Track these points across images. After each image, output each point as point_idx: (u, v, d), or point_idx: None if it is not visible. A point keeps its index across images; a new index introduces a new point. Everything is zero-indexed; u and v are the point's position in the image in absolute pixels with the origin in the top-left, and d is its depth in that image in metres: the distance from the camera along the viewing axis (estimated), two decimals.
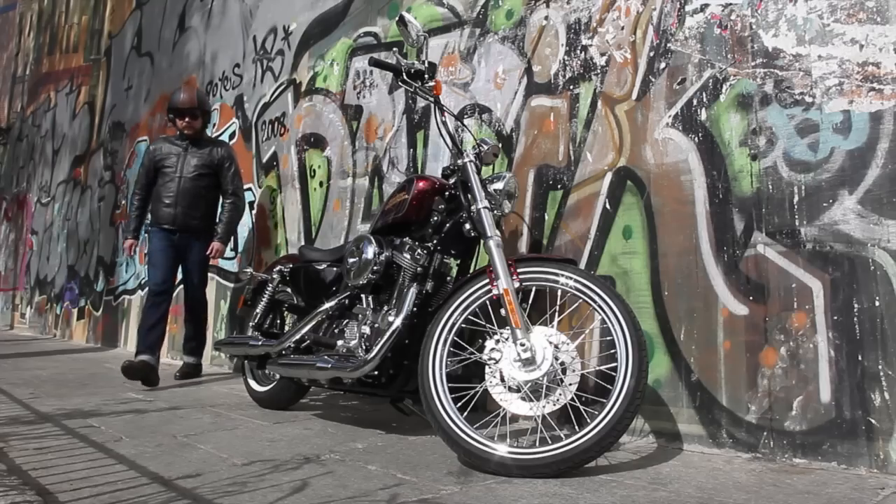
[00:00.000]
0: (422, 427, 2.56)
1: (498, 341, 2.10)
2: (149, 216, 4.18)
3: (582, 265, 2.61)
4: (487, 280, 2.17)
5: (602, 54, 2.70)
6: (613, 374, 1.94)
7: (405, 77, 2.50)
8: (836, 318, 1.99)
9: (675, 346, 2.33)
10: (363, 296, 2.61)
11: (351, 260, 2.60)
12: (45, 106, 9.77)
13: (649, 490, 1.76)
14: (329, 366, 2.47)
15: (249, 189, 4.83)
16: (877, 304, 1.93)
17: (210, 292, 4.85)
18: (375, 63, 2.55)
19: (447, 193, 2.49)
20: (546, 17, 2.94)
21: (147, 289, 4.11)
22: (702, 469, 1.99)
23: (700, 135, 2.36)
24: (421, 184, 2.51)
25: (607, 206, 2.60)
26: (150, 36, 6.76)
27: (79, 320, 7.43)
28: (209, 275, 4.39)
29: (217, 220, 4.17)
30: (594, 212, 2.64)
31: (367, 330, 2.50)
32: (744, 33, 2.29)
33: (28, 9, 11.40)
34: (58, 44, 9.66)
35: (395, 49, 3.29)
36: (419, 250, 2.46)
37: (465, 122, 3.13)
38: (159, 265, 3.98)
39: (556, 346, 2.03)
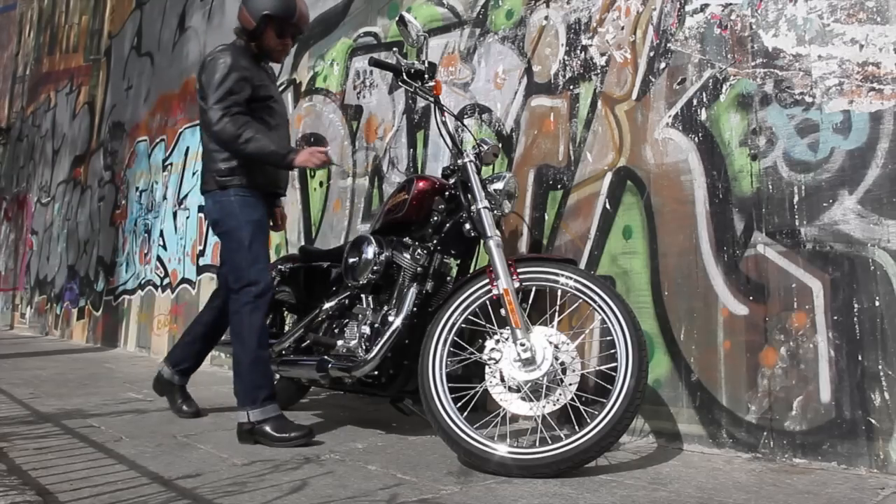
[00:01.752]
0: (422, 427, 2.56)
1: (498, 341, 2.10)
2: (234, 178, 2.53)
3: (582, 265, 2.61)
4: (487, 280, 2.17)
5: (602, 54, 2.70)
6: (613, 374, 1.94)
7: (405, 77, 2.50)
8: (836, 318, 1.99)
9: (675, 346, 2.33)
10: (363, 296, 2.61)
11: (351, 260, 2.59)
12: (45, 106, 9.77)
13: (649, 490, 1.76)
14: (329, 366, 2.47)
15: None
16: (877, 304, 1.93)
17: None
18: (375, 63, 2.55)
19: (447, 193, 2.49)
20: (546, 17, 2.94)
21: (244, 289, 2.47)
22: (702, 469, 1.99)
23: (700, 135, 2.36)
24: (421, 184, 2.51)
25: (607, 206, 2.60)
26: (150, 36, 6.76)
27: (79, 320, 7.43)
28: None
29: None
30: (594, 212, 2.64)
31: (367, 330, 2.49)
32: (744, 33, 2.29)
33: (28, 8, 11.40)
34: (58, 44, 9.66)
35: (395, 49, 3.28)
36: (419, 250, 2.46)
37: (465, 122, 3.13)
38: (265, 254, 2.57)
39: (556, 346, 2.03)
